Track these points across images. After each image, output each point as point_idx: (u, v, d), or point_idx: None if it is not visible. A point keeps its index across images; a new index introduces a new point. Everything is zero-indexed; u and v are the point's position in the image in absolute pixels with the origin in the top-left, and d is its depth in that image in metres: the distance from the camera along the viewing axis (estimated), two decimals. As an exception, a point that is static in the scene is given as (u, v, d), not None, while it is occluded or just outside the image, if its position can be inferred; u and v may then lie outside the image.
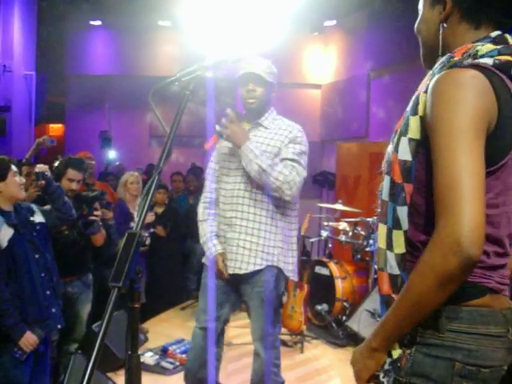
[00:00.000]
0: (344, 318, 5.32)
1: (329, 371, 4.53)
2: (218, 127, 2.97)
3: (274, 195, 2.95)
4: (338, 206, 5.90)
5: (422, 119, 1.30)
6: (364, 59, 9.32)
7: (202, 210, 3.26)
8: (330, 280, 5.51)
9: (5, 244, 2.96)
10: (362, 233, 5.50)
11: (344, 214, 6.19)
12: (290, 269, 3.09)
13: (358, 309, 5.07)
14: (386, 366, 1.33)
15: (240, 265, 3.00)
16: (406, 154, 1.32)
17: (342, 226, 5.79)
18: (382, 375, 1.35)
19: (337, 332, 5.24)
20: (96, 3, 9.52)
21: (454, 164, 1.18)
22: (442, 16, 1.41)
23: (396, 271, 1.35)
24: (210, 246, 3.15)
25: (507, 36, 1.35)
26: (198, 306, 3.32)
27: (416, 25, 1.51)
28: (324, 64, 10.68)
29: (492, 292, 1.31)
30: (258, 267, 2.98)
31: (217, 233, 3.18)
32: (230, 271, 3.04)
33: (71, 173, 3.94)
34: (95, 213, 3.92)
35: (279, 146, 3.01)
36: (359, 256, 5.50)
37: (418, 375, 1.29)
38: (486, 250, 1.28)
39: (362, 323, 4.83)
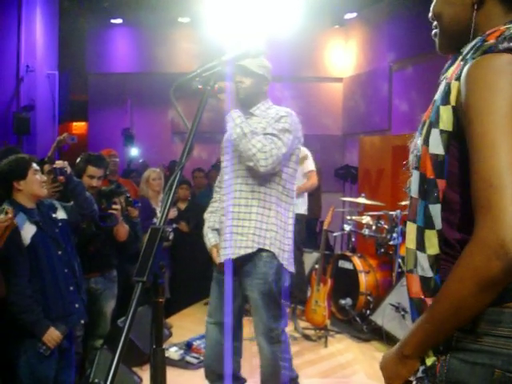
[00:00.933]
0: (368, 312, 5.29)
1: (353, 365, 4.51)
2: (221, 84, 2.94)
3: (249, 166, 2.93)
4: (361, 200, 5.86)
5: (455, 109, 1.20)
6: (385, 51, 9.24)
7: (208, 209, 3.34)
8: (353, 274, 5.48)
9: (28, 241, 2.99)
10: (386, 226, 5.46)
11: (367, 208, 6.15)
12: (286, 256, 3.03)
13: (382, 303, 5.04)
14: (420, 374, 1.24)
15: (233, 250, 3.00)
16: (437, 147, 1.22)
17: (365, 219, 5.76)
18: (414, 383, 1.26)
19: (361, 326, 5.21)
20: (116, 1, 9.59)
21: (494, 157, 1.08)
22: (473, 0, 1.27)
23: (429, 274, 1.25)
24: (206, 240, 3.26)
25: None
26: (209, 302, 3.34)
27: (434, 7, 1.37)
28: (345, 57, 10.62)
29: None
30: (249, 250, 2.97)
31: (213, 226, 3.26)
32: (223, 258, 3.04)
33: (91, 169, 3.95)
34: (113, 206, 3.95)
35: (265, 126, 3.02)
36: (383, 250, 5.46)
37: (454, 382, 1.19)
38: None
39: (386, 317, 4.80)
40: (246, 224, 3.00)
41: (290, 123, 2.97)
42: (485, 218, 1.08)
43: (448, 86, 1.23)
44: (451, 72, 1.25)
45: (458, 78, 1.20)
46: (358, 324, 5.25)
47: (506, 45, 1.16)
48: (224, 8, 8.44)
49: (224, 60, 1.57)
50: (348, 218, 6.11)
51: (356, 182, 8.69)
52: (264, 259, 2.98)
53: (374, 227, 5.61)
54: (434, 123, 1.23)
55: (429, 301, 1.23)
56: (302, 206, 5.48)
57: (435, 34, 1.40)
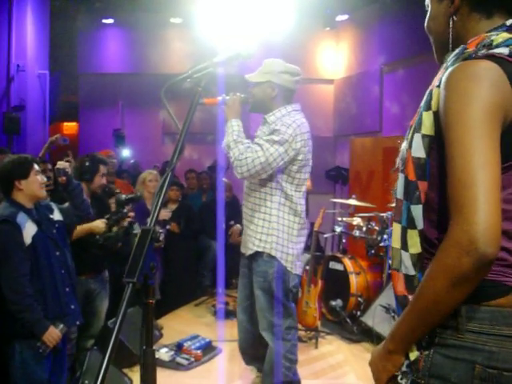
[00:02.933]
0: (358, 313, 5.31)
1: (343, 366, 4.53)
2: (224, 96, 3.21)
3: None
4: (352, 202, 5.88)
5: (436, 114, 1.26)
6: (377, 53, 9.28)
7: None
8: (344, 275, 5.50)
9: (29, 241, 3.01)
10: (376, 228, 5.48)
11: (358, 209, 6.17)
12: (290, 260, 3.18)
13: (372, 304, 5.06)
14: (404, 368, 1.30)
15: (244, 247, 3.35)
16: (419, 150, 1.28)
17: (356, 221, 5.78)
18: (400, 377, 1.31)
19: (351, 327, 5.23)
20: (108, 2, 9.57)
21: (468, 160, 1.13)
22: (451, 9, 1.36)
23: (412, 272, 1.31)
24: None
25: None
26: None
27: (426, 23, 1.48)
28: (336, 59, 10.65)
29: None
30: (249, 251, 3.25)
31: None
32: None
33: (103, 169, 4.11)
34: (130, 214, 4.14)
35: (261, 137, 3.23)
36: (373, 251, 5.49)
37: (436, 377, 1.25)
38: (508, 248, 1.24)
39: (377, 318, 4.82)
40: (251, 227, 3.26)
41: (282, 135, 3.08)
42: (457, 216, 1.13)
43: (430, 92, 1.29)
44: (435, 79, 1.31)
45: (439, 85, 1.26)
46: (349, 325, 5.26)
47: (484, 51, 1.22)
48: (216, 9, 8.44)
49: (215, 62, 1.58)
50: (339, 219, 6.12)
51: (347, 184, 8.71)
52: (265, 259, 3.19)
53: (364, 229, 5.63)
54: (417, 128, 1.29)
55: (412, 298, 1.27)
56: None
57: (433, 46, 1.49)
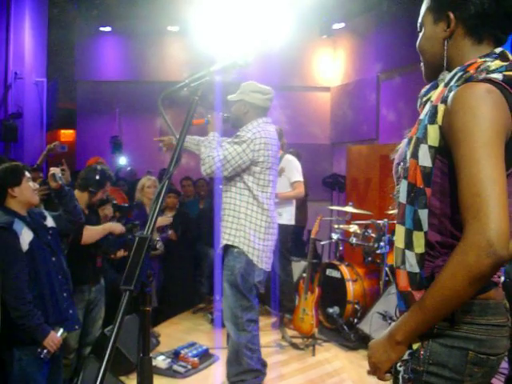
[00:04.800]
0: (355, 320, 5.31)
1: (340, 374, 4.52)
2: (209, 116, 3.64)
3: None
4: (349, 209, 5.89)
5: (441, 128, 1.39)
6: (373, 61, 9.32)
7: None
8: (341, 283, 5.50)
9: (26, 247, 3.03)
10: (373, 235, 5.48)
11: (355, 217, 6.18)
12: (256, 254, 3.50)
13: (369, 311, 5.06)
14: (405, 356, 1.44)
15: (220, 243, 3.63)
16: (426, 160, 1.41)
17: (353, 228, 5.79)
18: (399, 364, 1.45)
19: (348, 335, 5.23)
20: (105, 10, 9.59)
21: (481, 173, 1.28)
22: (446, 33, 1.51)
23: (416, 269, 1.44)
24: None
25: (507, 52, 1.47)
26: None
27: (418, 43, 1.61)
28: (333, 66, 10.69)
29: (495, 285, 1.45)
30: (221, 245, 3.58)
31: None
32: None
33: (108, 186, 4.28)
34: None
35: None
36: (370, 258, 5.49)
37: (435, 364, 1.41)
38: None
39: (374, 326, 4.82)
40: (223, 223, 3.60)
41: (241, 138, 3.49)
42: (474, 222, 1.27)
43: (435, 108, 1.42)
44: (436, 96, 1.45)
45: (443, 101, 1.40)
46: (346, 332, 5.26)
47: (483, 75, 1.37)
48: (213, 17, 8.48)
49: (212, 70, 1.60)
50: (336, 226, 6.13)
51: (344, 191, 8.73)
52: (234, 254, 3.51)
53: (361, 236, 5.64)
54: (422, 139, 1.43)
55: (415, 293, 1.44)
56: (285, 216, 5.52)
57: (422, 65, 1.64)
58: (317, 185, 9.28)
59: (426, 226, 1.43)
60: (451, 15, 1.48)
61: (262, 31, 8.64)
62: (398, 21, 8.15)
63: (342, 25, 9.93)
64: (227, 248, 3.57)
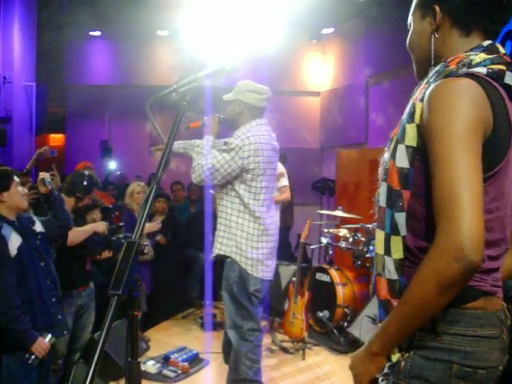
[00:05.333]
0: (345, 324, 5.33)
1: (330, 378, 4.53)
2: (206, 118, 3.57)
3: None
4: (338, 213, 5.91)
5: (419, 127, 1.33)
6: (362, 66, 9.36)
7: None
8: (330, 286, 5.52)
9: (14, 252, 3.02)
10: (363, 239, 5.51)
11: (344, 221, 6.20)
12: (249, 263, 3.40)
13: (359, 315, 5.08)
14: (386, 370, 1.36)
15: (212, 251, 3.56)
16: (403, 161, 1.35)
17: (343, 232, 5.80)
18: (381, 378, 1.37)
19: (338, 338, 5.24)
20: (95, 14, 9.57)
21: (453, 173, 1.21)
22: (433, 26, 1.45)
23: (394, 276, 1.38)
24: None
25: (498, 45, 1.39)
26: None
27: (407, 41, 1.56)
28: (322, 71, 10.73)
29: (486, 295, 1.34)
30: (213, 254, 3.53)
31: None
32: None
33: (95, 191, 4.29)
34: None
35: None
36: (360, 262, 5.51)
37: (417, 377, 1.32)
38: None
39: (363, 329, 4.83)
40: (216, 232, 3.54)
41: (229, 146, 3.38)
42: (445, 226, 1.20)
43: (413, 106, 1.36)
44: (417, 93, 1.39)
45: (422, 99, 1.33)
46: (336, 336, 5.28)
47: (464, 70, 1.31)
48: (203, 22, 8.49)
49: (200, 76, 1.60)
50: (325, 230, 6.15)
51: (333, 195, 8.74)
52: (228, 264, 3.45)
53: (350, 240, 5.66)
54: (400, 139, 1.36)
55: (394, 302, 1.36)
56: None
57: (413, 65, 1.58)
58: (306, 189, 9.29)
59: (403, 231, 1.36)
60: (437, 8, 1.43)
61: (251, 36, 8.66)
62: (386, 26, 8.20)
63: (331, 30, 9.97)
64: (223, 258, 3.50)
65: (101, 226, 4.03)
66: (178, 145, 3.77)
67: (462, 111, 1.23)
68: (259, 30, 8.78)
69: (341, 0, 8.44)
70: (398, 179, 1.36)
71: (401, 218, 1.36)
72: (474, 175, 1.20)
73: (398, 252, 1.37)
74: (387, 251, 1.39)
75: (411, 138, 1.34)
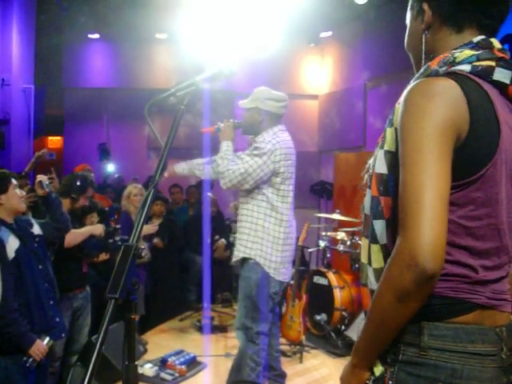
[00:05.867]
0: (343, 327, 5.33)
1: (328, 381, 4.53)
2: (220, 123, 3.61)
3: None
4: (336, 216, 5.92)
5: (396, 130, 1.27)
6: (360, 69, 9.38)
7: None
8: (328, 290, 5.52)
9: (12, 255, 3.01)
10: (360, 242, 5.50)
11: (342, 224, 6.20)
12: (273, 266, 3.44)
13: (356, 318, 5.08)
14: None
15: (234, 255, 3.58)
16: (381, 166, 1.30)
17: (340, 235, 5.81)
18: None
19: (336, 342, 5.24)
20: (94, 17, 9.59)
21: (415, 177, 1.15)
22: (423, 25, 1.40)
23: (375, 286, 1.29)
24: None
25: (492, 40, 1.32)
26: None
27: (405, 41, 1.51)
28: (321, 74, 10.75)
29: (482, 308, 1.25)
30: (235, 258, 3.54)
31: None
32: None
33: (90, 191, 4.24)
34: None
35: None
36: (357, 265, 5.51)
37: None
38: (472, 264, 1.24)
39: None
40: (239, 236, 3.55)
41: (261, 150, 3.41)
42: (402, 232, 1.15)
43: (393, 109, 1.31)
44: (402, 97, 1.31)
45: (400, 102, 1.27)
46: (333, 339, 5.27)
47: (444, 69, 1.25)
48: (201, 25, 8.51)
49: (198, 80, 1.60)
50: (323, 233, 6.15)
51: (331, 198, 8.75)
52: (250, 265, 3.45)
53: (348, 243, 5.66)
54: (381, 144, 1.31)
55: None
56: None
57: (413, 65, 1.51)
58: (304, 192, 9.29)
59: (383, 239, 1.29)
60: (425, 6, 1.38)
61: (250, 39, 8.68)
62: (384, 29, 8.22)
63: (330, 33, 10.00)
64: (243, 260, 3.52)
65: (98, 229, 4.03)
66: (182, 168, 3.83)
67: (432, 113, 1.17)
68: (258, 33, 8.80)
69: (339, 4, 8.47)
70: (376, 186, 1.31)
71: (379, 225, 1.30)
72: (436, 181, 1.14)
73: (377, 261, 1.31)
74: (369, 260, 1.34)
75: (390, 142, 1.29)
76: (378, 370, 1.28)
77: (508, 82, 1.29)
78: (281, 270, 3.48)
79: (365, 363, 1.29)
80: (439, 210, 1.13)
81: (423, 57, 1.41)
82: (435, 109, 1.18)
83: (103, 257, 4.44)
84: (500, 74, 1.27)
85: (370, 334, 1.25)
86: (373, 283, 1.32)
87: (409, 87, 1.26)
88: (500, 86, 1.29)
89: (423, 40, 1.41)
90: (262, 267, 3.43)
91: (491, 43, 1.31)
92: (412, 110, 1.20)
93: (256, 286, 3.44)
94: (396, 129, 1.27)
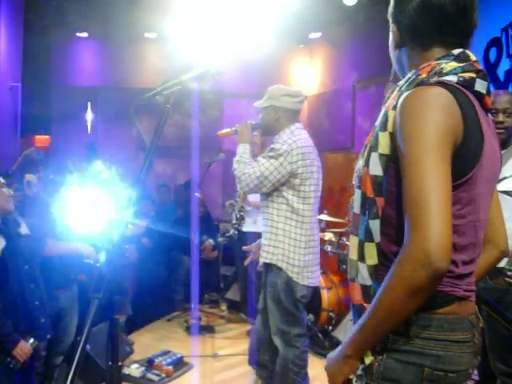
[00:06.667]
0: (330, 328, 5.34)
1: (314, 382, 4.52)
2: (237, 125, 3.61)
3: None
4: (324, 217, 5.93)
5: (392, 135, 1.36)
6: (349, 71, 9.40)
7: None
8: (315, 290, 5.51)
9: None
10: (348, 243, 5.51)
11: (330, 225, 6.21)
12: (296, 271, 3.42)
13: (343, 319, 5.09)
14: (359, 372, 1.40)
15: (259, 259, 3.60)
16: (377, 168, 1.38)
17: (328, 236, 5.82)
18: (354, 379, 1.42)
19: (323, 342, 5.24)
20: (82, 15, 9.53)
21: (422, 181, 1.23)
22: (393, 43, 1.57)
23: (368, 282, 1.42)
24: None
25: (469, 53, 1.43)
26: None
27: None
28: (310, 76, 10.76)
29: (460, 300, 1.39)
30: (260, 263, 3.56)
31: None
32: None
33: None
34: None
35: None
36: (345, 266, 5.52)
37: (389, 380, 1.37)
38: (455, 260, 1.34)
39: (348, 333, 4.83)
40: (263, 241, 3.57)
41: (277, 151, 3.39)
42: (413, 233, 1.23)
43: (386, 114, 1.40)
44: (389, 102, 1.43)
45: (394, 108, 1.36)
46: (320, 340, 5.28)
47: (435, 79, 1.35)
48: (191, 25, 8.49)
49: (184, 79, 1.61)
50: (311, 234, 6.15)
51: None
52: (274, 271, 3.46)
53: (336, 244, 5.68)
54: (374, 147, 1.39)
55: (368, 307, 1.38)
56: (259, 224, 5.52)
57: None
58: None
59: (377, 237, 1.39)
60: (394, 28, 1.54)
61: (239, 40, 8.68)
62: (373, 31, 8.24)
63: (319, 34, 10.01)
64: (269, 265, 3.52)
65: (85, 251, 3.92)
66: (244, 148, 3.62)
67: (432, 120, 1.26)
68: (247, 34, 8.80)
69: (329, 5, 8.48)
70: (371, 187, 1.39)
71: (375, 225, 1.39)
72: (442, 183, 1.23)
73: (371, 258, 1.40)
74: (361, 257, 1.42)
75: (384, 146, 1.37)
76: (369, 358, 1.38)
77: (484, 92, 1.42)
78: (305, 274, 3.45)
79: (360, 354, 1.39)
80: (446, 212, 1.22)
81: (392, 72, 1.60)
82: (435, 116, 1.27)
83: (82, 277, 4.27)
84: (479, 85, 1.40)
85: (374, 326, 1.33)
86: (366, 279, 1.42)
87: (405, 95, 1.34)
88: (479, 97, 1.42)
89: (395, 56, 1.57)
90: (285, 272, 3.41)
91: (468, 56, 1.43)
92: (412, 117, 1.28)
93: (283, 291, 3.43)
94: (391, 133, 1.36)
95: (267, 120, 3.60)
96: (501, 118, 3.08)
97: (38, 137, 12.75)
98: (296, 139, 3.44)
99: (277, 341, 3.51)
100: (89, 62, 10.82)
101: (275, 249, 3.44)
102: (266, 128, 3.64)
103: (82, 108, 10.58)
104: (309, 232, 3.47)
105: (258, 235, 5.18)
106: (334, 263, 5.97)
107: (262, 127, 3.66)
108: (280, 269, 3.42)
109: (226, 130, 3.67)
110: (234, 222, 5.72)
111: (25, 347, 2.98)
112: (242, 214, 5.64)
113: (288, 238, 3.42)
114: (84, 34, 10.41)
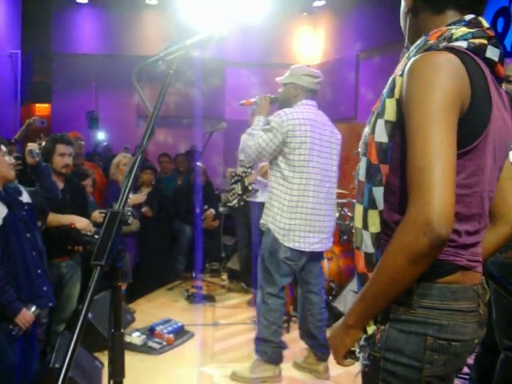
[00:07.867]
0: (330, 298, 5.36)
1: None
2: (258, 97, 3.89)
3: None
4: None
5: (398, 102, 1.33)
6: (353, 40, 9.30)
7: None
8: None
9: (0, 222, 2.96)
10: (349, 214, 5.52)
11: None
12: (281, 233, 3.66)
13: (344, 289, 5.11)
14: (362, 342, 1.39)
15: None
16: (382, 135, 1.36)
17: (330, 207, 5.80)
18: (357, 351, 1.41)
19: (323, 312, 5.27)
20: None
21: (426, 146, 1.21)
22: (405, 8, 1.50)
23: (371, 250, 1.40)
24: None
25: (481, 19, 1.39)
26: None
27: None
28: (313, 44, 10.65)
29: (463, 269, 1.36)
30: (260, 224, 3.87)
31: None
32: None
33: (61, 147, 3.95)
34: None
35: None
36: (346, 237, 5.53)
37: (392, 350, 1.35)
38: (458, 229, 1.33)
39: (348, 304, 4.85)
40: (265, 205, 3.86)
41: (270, 124, 3.62)
42: (415, 199, 1.21)
43: (393, 80, 1.37)
44: (398, 68, 1.40)
45: (402, 74, 1.34)
46: (321, 310, 5.30)
47: (444, 44, 1.32)
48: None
49: (187, 44, 1.57)
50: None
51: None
52: (266, 232, 3.77)
53: (337, 214, 5.67)
54: (380, 114, 1.37)
55: (371, 275, 1.36)
56: (262, 195, 5.52)
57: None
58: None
59: (381, 205, 1.37)
60: None
61: (242, 8, 8.55)
62: (377, 1, 8.12)
63: (323, 2, 9.87)
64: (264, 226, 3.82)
65: (82, 223, 3.87)
66: (258, 120, 3.82)
67: (439, 85, 1.23)
68: (249, 1, 8.67)
69: (333, -28, 8.35)
70: (376, 154, 1.37)
71: (378, 192, 1.37)
72: (447, 150, 1.21)
73: (374, 226, 1.39)
74: (365, 225, 1.41)
75: (390, 112, 1.34)
76: (371, 328, 1.37)
77: (497, 59, 1.37)
78: (290, 237, 3.65)
79: (362, 323, 1.37)
80: (450, 179, 1.20)
81: (406, 37, 1.53)
82: (442, 81, 1.24)
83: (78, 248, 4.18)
84: (491, 52, 1.35)
85: (375, 295, 1.31)
86: (369, 246, 1.40)
87: (412, 60, 1.31)
88: (491, 64, 1.37)
89: (407, 21, 1.51)
90: (272, 232, 3.67)
91: (480, 22, 1.38)
92: (419, 82, 1.26)
93: (267, 250, 3.72)
94: (397, 100, 1.33)
95: (287, 95, 3.82)
96: None
97: (38, 105, 12.68)
98: (288, 112, 3.64)
99: (257, 293, 3.88)
100: (89, 30, 10.70)
101: (269, 211, 3.74)
102: (284, 102, 3.82)
103: (83, 76, 10.49)
104: (296, 198, 3.65)
105: (261, 205, 5.19)
106: (335, 234, 5.97)
107: (280, 102, 3.86)
108: (269, 229, 3.71)
109: (249, 100, 3.95)
110: (240, 192, 5.70)
111: (27, 315, 2.99)
112: (254, 186, 5.66)
113: (277, 202, 3.68)
114: (84, 1, 10.29)
